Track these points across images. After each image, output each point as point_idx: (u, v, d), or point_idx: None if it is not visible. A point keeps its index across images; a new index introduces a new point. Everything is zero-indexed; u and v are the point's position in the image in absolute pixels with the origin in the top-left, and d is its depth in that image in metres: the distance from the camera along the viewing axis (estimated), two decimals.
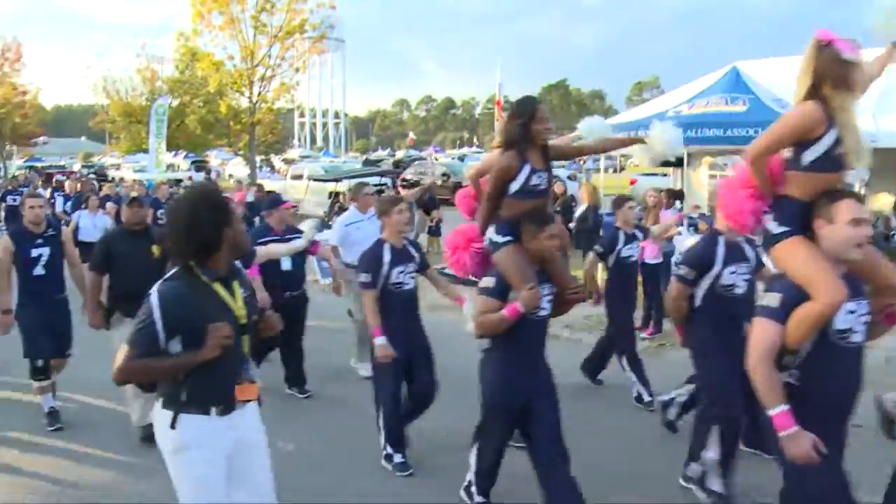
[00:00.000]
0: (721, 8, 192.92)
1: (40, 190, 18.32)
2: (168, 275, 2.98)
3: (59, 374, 6.24)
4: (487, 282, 4.11)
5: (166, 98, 26.41)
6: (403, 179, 22.52)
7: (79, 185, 17.36)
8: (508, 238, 4.09)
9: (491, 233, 4.22)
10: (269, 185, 26.48)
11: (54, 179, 27.15)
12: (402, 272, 5.18)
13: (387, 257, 5.12)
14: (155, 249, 5.61)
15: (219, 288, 3.02)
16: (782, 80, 12.95)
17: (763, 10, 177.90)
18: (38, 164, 47.28)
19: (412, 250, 5.42)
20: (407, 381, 5.26)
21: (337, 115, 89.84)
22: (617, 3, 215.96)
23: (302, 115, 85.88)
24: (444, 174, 28.82)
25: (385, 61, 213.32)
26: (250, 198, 17.30)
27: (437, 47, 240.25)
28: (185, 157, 42.83)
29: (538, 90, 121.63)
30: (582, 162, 34.65)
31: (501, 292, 4.05)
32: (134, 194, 6.39)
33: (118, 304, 5.65)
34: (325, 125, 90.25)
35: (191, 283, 2.97)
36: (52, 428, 5.98)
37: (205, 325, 2.89)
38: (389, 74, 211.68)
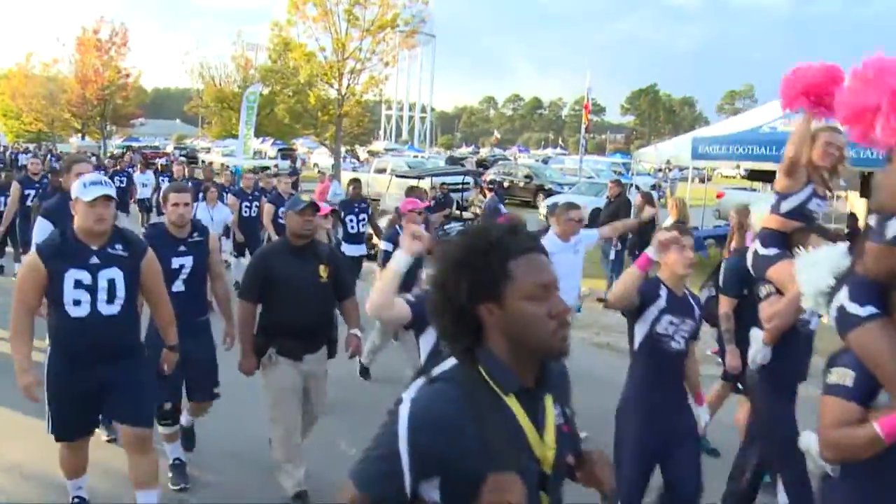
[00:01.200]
0: (824, 18, 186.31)
1: (140, 174, 17.98)
2: (431, 372, 1.78)
3: (198, 417, 5.23)
4: (842, 376, 2.57)
5: (258, 86, 26.94)
6: (489, 182, 22.33)
7: (185, 170, 15.98)
8: (873, 311, 2.58)
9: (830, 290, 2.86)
10: (351, 176, 26.82)
11: (159, 163, 27.81)
12: (674, 325, 3.99)
13: (661, 302, 3.96)
14: (322, 271, 4.61)
15: (516, 407, 1.77)
16: None
17: (867, 21, 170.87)
18: (135, 144, 49.10)
19: (692, 302, 4.20)
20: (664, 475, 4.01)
21: (423, 110, 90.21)
22: (714, 6, 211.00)
23: (389, 107, 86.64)
24: (526, 176, 28.60)
25: (474, 58, 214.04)
26: (337, 191, 17.45)
27: (527, 45, 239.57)
28: (273, 143, 43.73)
29: (627, 94, 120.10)
30: (667, 170, 33.93)
31: (866, 392, 2.54)
32: (305, 198, 4.70)
33: (273, 341, 4.59)
34: (411, 119, 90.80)
35: (469, 394, 1.73)
36: (177, 488, 4.82)
37: (481, 472, 1.66)
38: (478, 71, 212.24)
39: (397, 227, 6.72)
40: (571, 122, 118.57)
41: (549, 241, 5.77)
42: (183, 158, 33.33)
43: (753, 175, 17.63)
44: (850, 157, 10.49)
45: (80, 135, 45.06)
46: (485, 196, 13.59)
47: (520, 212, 16.85)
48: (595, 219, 19.49)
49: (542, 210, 22.37)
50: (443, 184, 18.20)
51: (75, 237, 3.80)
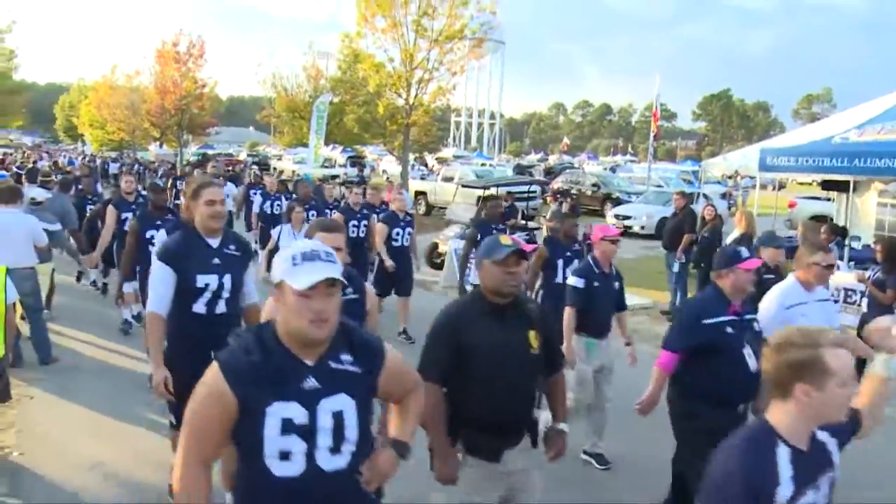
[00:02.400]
0: None
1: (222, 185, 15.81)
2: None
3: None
4: None
5: (328, 96, 27.52)
6: (557, 191, 22.34)
7: (276, 184, 14.21)
8: None
9: None
10: (420, 185, 27.09)
11: (252, 173, 26.18)
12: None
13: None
14: (534, 339, 3.39)
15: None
16: None
17: None
18: (210, 152, 50.56)
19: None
20: None
21: (492, 116, 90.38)
22: (787, 7, 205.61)
23: (458, 114, 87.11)
24: (594, 185, 28.45)
25: (543, 64, 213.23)
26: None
27: (596, 51, 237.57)
28: (342, 151, 44.48)
29: (699, 99, 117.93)
30: (739, 178, 33.29)
31: None
32: (507, 241, 3.39)
33: (467, 438, 3.42)
34: (479, 125, 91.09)
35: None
36: None
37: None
38: (547, 77, 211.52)
39: (590, 259, 6.07)
40: (641, 128, 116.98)
41: (791, 288, 4.82)
42: (255, 166, 34.28)
43: (827, 185, 17.21)
44: None
45: (158, 143, 46.60)
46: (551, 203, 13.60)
47: (587, 220, 16.77)
48: (662, 229, 19.39)
49: (610, 219, 22.29)
50: (509, 193, 18.29)
51: (278, 342, 2.34)
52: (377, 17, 24.74)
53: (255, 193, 13.51)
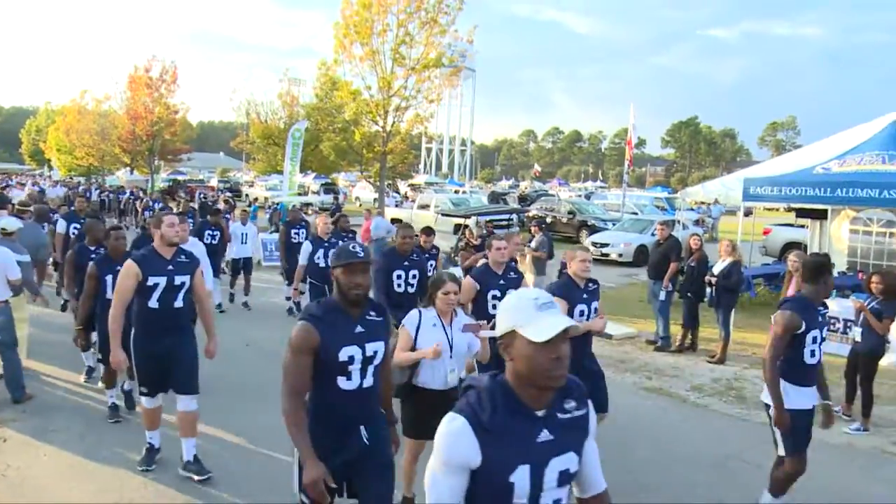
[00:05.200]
0: (869, 48, 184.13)
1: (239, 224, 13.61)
2: None
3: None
4: None
5: (304, 122, 27.30)
6: (537, 219, 22.32)
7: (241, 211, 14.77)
8: None
9: None
10: (396, 213, 26.95)
11: (221, 199, 25.76)
12: None
13: None
14: None
15: None
16: None
17: None
18: (180, 178, 50.03)
19: None
20: None
21: (464, 143, 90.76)
22: (755, 38, 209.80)
23: (430, 140, 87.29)
24: (570, 212, 28.49)
25: (514, 91, 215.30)
26: (381, 225, 17.48)
27: (566, 78, 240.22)
28: (315, 178, 44.21)
29: (667, 126, 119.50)
30: (710, 204, 33.53)
31: None
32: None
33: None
34: (451, 152, 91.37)
35: None
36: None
37: None
38: (518, 104, 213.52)
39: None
40: (611, 154, 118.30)
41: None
42: (228, 194, 33.95)
43: (801, 212, 17.35)
44: None
45: (129, 169, 46.03)
46: (534, 235, 13.49)
47: (563, 247, 16.76)
48: (643, 257, 19.41)
49: (587, 245, 22.28)
50: (488, 221, 18.22)
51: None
52: (355, 44, 24.70)
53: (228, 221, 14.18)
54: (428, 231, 9.23)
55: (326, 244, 9.89)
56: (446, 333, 4.83)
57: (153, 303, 5.48)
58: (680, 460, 6.21)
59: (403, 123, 25.95)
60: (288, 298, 12.35)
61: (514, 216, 24.88)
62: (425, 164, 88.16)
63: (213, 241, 12.12)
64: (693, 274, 10.71)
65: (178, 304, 5.59)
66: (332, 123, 28.52)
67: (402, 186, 48.77)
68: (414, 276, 7.26)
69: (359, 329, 3.53)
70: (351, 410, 3.54)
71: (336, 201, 31.30)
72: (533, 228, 13.78)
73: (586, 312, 5.55)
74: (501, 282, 6.42)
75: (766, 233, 23.80)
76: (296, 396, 3.42)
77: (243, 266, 13.32)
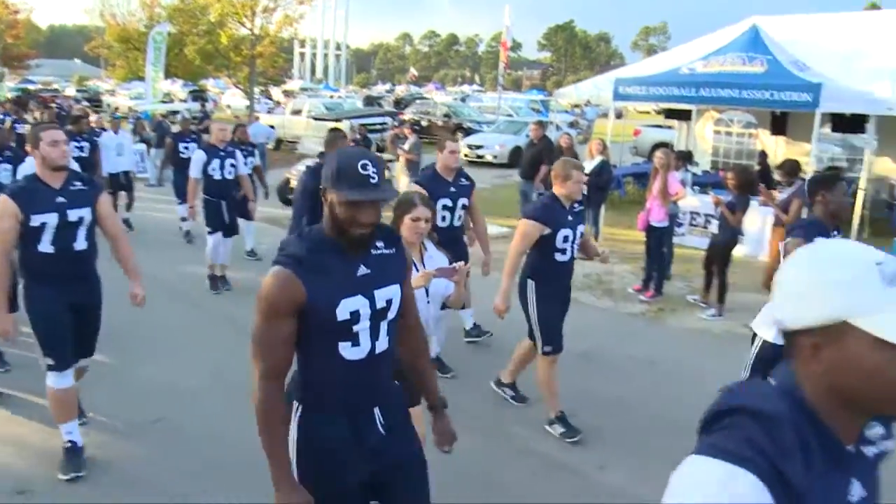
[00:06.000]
0: None
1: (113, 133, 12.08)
2: None
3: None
4: None
5: (165, 26, 25.73)
6: (411, 122, 22.09)
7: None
8: None
9: None
10: (268, 119, 26.14)
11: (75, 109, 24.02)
12: None
13: None
14: None
15: None
16: (802, 39, 12.67)
17: None
18: (31, 87, 46.48)
19: None
20: None
21: (338, 47, 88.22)
22: None
23: (302, 45, 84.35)
24: (445, 115, 28.42)
25: None
26: (261, 131, 16.81)
27: None
28: (183, 85, 42.10)
29: (544, 31, 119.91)
30: (585, 105, 34.17)
31: None
32: None
33: None
34: (325, 57, 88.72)
35: None
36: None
37: None
38: (393, 7, 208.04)
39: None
40: (488, 58, 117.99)
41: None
42: (86, 103, 31.90)
43: (670, 113, 17.93)
44: (764, 98, 10.80)
45: None
46: (406, 137, 13.36)
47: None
48: (517, 158, 19.63)
49: (462, 148, 22.33)
50: (362, 125, 17.92)
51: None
52: None
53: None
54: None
55: (222, 153, 8.47)
56: (417, 270, 3.79)
57: (45, 247, 4.23)
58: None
59: (272, 25, 24.88)
60: (183, 219, 11.14)
61: (389, 119, 24.59)
62: (299, 70, 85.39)
63: (83, 154, 10.48)
64: None
65: (80, 245, 4.35)
66: (196, 26, 26.96)
67: (276, 92, 47.14)
68: None
69: (363, 271, 2.45)
70: (361, 390, 2.50)
71: (204, 109, 29.93)
72: (406, 131, 13.65)
73: (570, 239, 5.01)
74: (452, 189, 5.87)
75: (636, 134, 24.50)
76: (273, 380, 2.36)
77: (125, 181, 11.79)
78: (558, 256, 4.98)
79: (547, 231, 4.88)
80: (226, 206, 8.52)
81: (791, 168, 8.08)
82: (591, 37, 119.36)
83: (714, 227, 8.50)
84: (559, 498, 4.34)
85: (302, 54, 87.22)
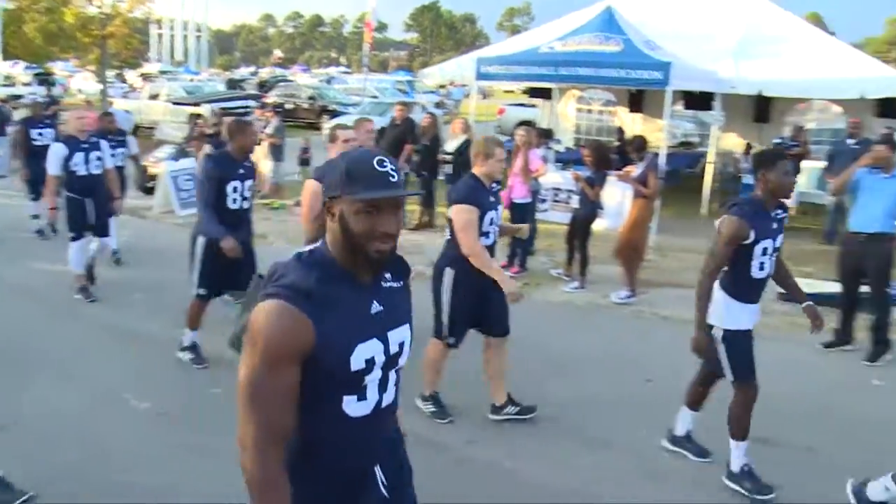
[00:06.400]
0: None
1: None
2: None
3: None
4: None
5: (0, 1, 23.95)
6: (274, 105, 21.56)
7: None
8: None
9: None
10: (123, 104, 24.88)
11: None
12: None
13: None
14: None
15: None
16: (655, 21, 13.16)
17: None
18: None
19: None
20: None
21: (198, 29, 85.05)
22: None
23: (159, 26, 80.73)
24: (310, 97, 27.93)
25: None
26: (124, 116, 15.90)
27: None
28: (26, 68, 39.43)
29: (410, 11, 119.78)
30: (450, 86, 34.42)
31: None
32: None
33: None
34: (185, 38, 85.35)
35: None
36: None
37: None
38: None
39: None
40: (354, 39, 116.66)
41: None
42: None
43: (533, 92, 18.28)
44: (619, 77, 11.16)
45: None
46: (269, 121, 13.02)
47: (304, 133, 16.44)
48: (379, 139, 19.51)
49: (328, 131, 21.97)
50: (222, 108, 17.34)
51: None
52: None
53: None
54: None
55: (85, 145, 7.46)
56: None
57: None
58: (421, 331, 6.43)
59: (124, 4, 23.60)
60: (35, 217, 9.99)
61: (251, 102, 23.92)
62: (157, 52, 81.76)
63: None
64: (427, 153, 10.93)
65: None
66: (37, 2, 25.20)
67: (131, 76, 44.88)
68: (251, 188, 5.88)
69: (376, 307, 2.00)
70: (363, 450, 2.09)
71: (50, 94, 28.10)
72: (268, 114, 13.32)
73: (494, 221, 4.78)
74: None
75: (500, 112, 24.89)
76: (273, 445, 1.84)
77: None
78: (483, 241, 4.71)
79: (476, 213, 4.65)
80: (93, 205, 7.55)
81: (639, 144, 8.38)
82: (456, 17, 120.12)
83: (576, 202, 8.73)
84: (429, 475, 4.32)
85: (160, 35, 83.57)
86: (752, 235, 3.99)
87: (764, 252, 4.07)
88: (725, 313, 4.18)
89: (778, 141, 12.06)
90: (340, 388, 1.94)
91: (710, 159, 12.64)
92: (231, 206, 5.62)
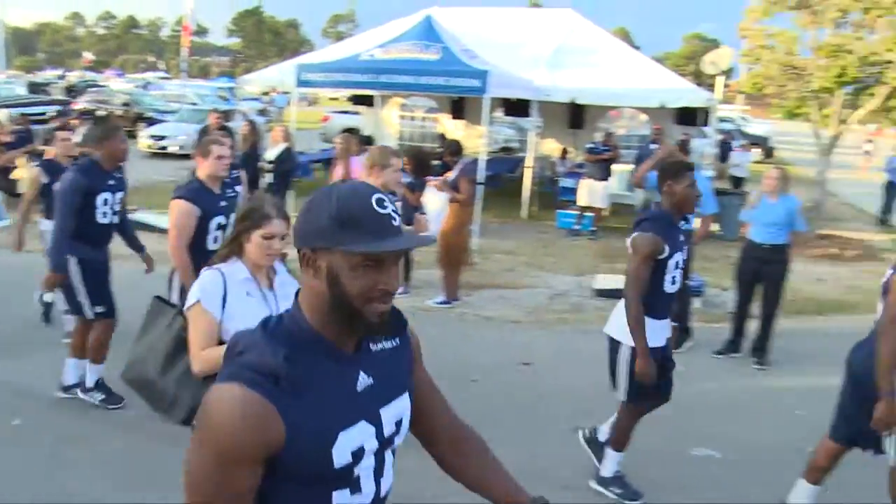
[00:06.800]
0: None
1: None
2: None
3: None
4: None
5: None
6: (83, 112, 20.26)
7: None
8: None
9: None
10: None
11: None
12: None
13: None
14: None
15: None
16: (474, 30, 13.51)
17: None
18: None
19: None
20: None
21: None
22: None
23: None
24: (124, 104, 26.45)
25: None
26: None
27: None
28: None
29: (232, 16, 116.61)
30: (273, 92, 33.71)
31: None
32: None
33: None
34: None
35: None
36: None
37: None
38: None
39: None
40: (172, 43, 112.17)
41: None
42: None
43: (358, 99, 18.25)
44: (438, 84, 11.33)
45: None
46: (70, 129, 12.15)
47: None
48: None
49: (144, 140, 20.89)
50: (23, 115, 16.04)
51: None
52: None
53: None
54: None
55: None
56: (268, 304, 2.95)
57: None
58: None
59: None
60: None
61: (57, 108, 22.35)
62: None
63: None
64: (246, 161, 10.60)
65: None
66: None
67: None
68: (122, 201, 5.24)
69: (364, 381, 1.58)
70: None
71: None
72: (74, 121, 12.48)
73: None
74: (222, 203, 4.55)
75: (324, 120, 24.70)
76: None
77: None
78: None
79: None
80: None
81: (454, 149, 8.54)
82: (280, 23, 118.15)
83: (400, 207, 8.73)
84: None
85: None
86: (667, 250, 3.92)
87: (676, 265, 4.01)
88: None
89: (591, 146, 12.68)
90: (324, 486, 1.55)
91: (528, 164, 13.09)
92: (101, 220, 5.04)
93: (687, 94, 13.14)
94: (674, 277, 4.02)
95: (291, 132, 10.95)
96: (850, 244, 12.53)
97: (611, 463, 4.32)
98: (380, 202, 1.46)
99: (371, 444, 1.57)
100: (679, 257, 4.01)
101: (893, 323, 3.41)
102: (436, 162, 9.36)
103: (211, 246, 4.31)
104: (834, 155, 15.06)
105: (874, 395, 3.43)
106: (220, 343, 2.83)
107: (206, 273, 2.94)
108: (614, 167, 12.84)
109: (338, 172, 8.59)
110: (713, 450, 4.93)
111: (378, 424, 1.58)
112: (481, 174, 10.16)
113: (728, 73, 16.68)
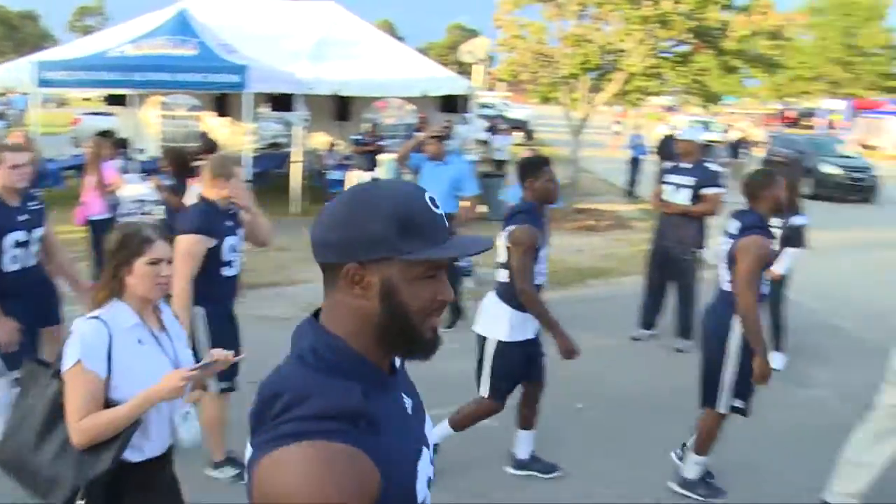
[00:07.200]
0: None
1: None
2: None
3: None
4: None
5: None
6: None
7: None
8: None
9: None
10: None
11: None
12: None
13: None
14: None
15: None
16: (231, 23, 13.11)
17: None
18: None
19: None
20: None
21: None
22: None
23: None
24: None
25: None
26: None
27: None
28: None
29: None
30: (10, 94, 30.74)
31: None
32: None
33: None
34: None
35: None
36: None
37: None
38: None
39: None
40: None
41: None
42: None
43: (111, 99, 17.16)
44: (196, 81, 10.91)
45: None
46: None
47: None
48: None
49: None
50: None
51: None
52: None
53: None
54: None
55: None
56: (164, 349, 2.61)
57: None
58: None
59: None
60: None
61: None
62: None
63: None
64: None
65: None
66: None
67: None
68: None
69: (407, 403, 1.40)
70: None
71: None
72: None
73: (236, 247, 4.23)
74: (21, 217, 4.19)
75: (74, 122, 22.99)
76: None
77: None
78: (226, 271, 4.26)
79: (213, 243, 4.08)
80: None
81: (208, 147, 8.39)
82: (13, 14, 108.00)
83: (162, 212, 8.34)
84: None
85: None
86: (540, 240, 4.07)
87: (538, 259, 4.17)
88: (510, 326, 4.15)
89: (356, 137, 12.80)
90: None
91: (295, 158, 12.95)
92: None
93: (448, 82, 13.59)
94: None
95: (34, 138, 10.06)
96: (604, 216, 13.68)
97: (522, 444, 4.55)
98: (433, 201, 1.29)
99: (430, 472, 1.40)
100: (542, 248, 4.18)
101: (747, 290, 3.85)
102: (199, 162, 9.02)
103: (8, 267, 3.91)
104: (585, 135, 16.20)
105: (721, 356, 4.04)
106: (109, 405, 2.41)
107: (84, 325, 2.46)
108: (380, 157, 13.05)
109: (90, 179, 8.03)
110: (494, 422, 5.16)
111: (429, 447, 1.42)
112: (248, 172, 9.93)
113: (489, 61, 17.44)
